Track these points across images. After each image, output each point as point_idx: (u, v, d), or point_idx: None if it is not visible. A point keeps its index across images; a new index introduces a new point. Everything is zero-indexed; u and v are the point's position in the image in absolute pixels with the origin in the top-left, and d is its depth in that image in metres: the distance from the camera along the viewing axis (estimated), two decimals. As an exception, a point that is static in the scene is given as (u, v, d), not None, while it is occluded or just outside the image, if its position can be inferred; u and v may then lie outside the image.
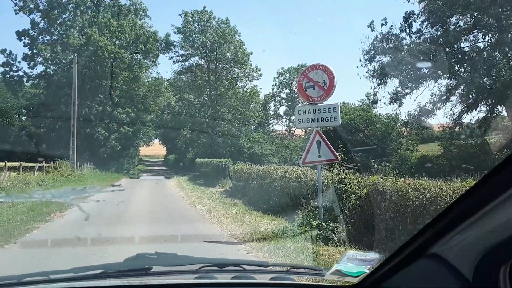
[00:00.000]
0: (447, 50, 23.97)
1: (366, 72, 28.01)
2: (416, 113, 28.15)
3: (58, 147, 32.53)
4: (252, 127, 48.12)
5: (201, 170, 33.70)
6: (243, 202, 13.54)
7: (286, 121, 53.07)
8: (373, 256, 1.87)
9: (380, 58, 26.73)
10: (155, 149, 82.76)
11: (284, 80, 52.15)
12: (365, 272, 1.73)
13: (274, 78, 52.48)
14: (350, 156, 39.23)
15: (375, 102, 62.11)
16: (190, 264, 2.04)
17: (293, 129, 52.53)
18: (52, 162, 22.87)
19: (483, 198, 0.97)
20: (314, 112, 7.49)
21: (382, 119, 44.80)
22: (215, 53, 43.90)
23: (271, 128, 51.34)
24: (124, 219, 9.06)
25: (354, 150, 38.67)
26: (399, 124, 38.54)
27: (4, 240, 7.18)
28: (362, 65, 27.59)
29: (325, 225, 6.68)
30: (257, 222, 8.98)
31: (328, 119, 7.56)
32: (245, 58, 43.95)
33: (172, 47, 45.48)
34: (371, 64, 27.59)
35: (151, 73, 48.67)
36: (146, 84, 46.01)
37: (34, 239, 7.53)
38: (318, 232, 6.64)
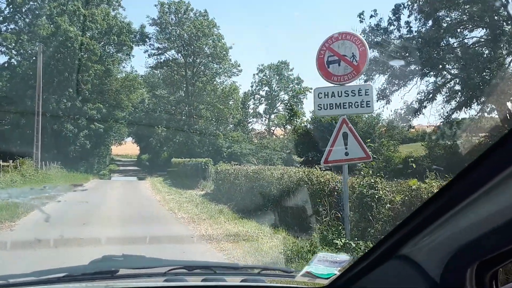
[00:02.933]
0: (435, 45, 23.00)
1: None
2: (403, 111, 27.12)
3: (22, 145, 29.78)
4: (231, 125, 46.38)
5: (168, 170, 31.78)
6: (229, 207, 11.84)
7: (265, 120, 51.57)
8: (344, 257, 1.92)
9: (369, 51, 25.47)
10: (128, 148, 79.87)
11: (264, 77, 50.60)
12: (335, 274, 1.73)
13: (254, 75, 50.96)
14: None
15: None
16: (159, 266, 1.98)
17: (273, 128, 51.16)
18: (11, 161, 20.45)
19: (452, 199, 0.97)
20: (340, 95, 5.76)
21: (364, 118, 44.20)
22: (192, 46, 41.94)
23: (250, 127, 49.73)
24: (86, 239, 7.12)
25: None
26: (380, 124, 37.89)
27: None
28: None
29: (353, 245, 5.10)
30: (257, 235, 7.31)
31: (358, 105, 5.72)
32: (224, 52, 42.16)
33: (147, 39, 43.24)
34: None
35: (124, 67, 46.27)
36: (119, 79, 43.57)
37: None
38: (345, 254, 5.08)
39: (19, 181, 19.36)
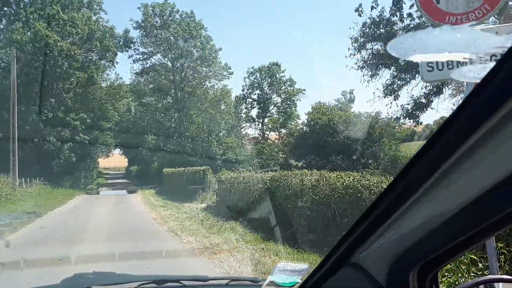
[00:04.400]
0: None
1: (355, 63, 24.96)
2: (410, 107, 25.36)
3: (2, 161, 27.26)
4: (223, 131, 44.24)
5: (161, 181, 29.44)
6: (243, 225, 9.77)
7: (259, 124, 49.52)
8: (303, 266, 1.95)
9: (372, 45, 23.75)
10: (115, 160, 77.13)
11: (255, 80, 48.63)
12: (298, 282, 1.78)
13: (244, 78, 48.89)
14: (331, 159, 36.28)
15: (351, 100, 60.16)
16: (129, 282, 2.02)
17: (267, 132, 49.18)
18: (-19, 180, 18.07)
19: (392, 204, 0.96)
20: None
21: (362, 118, 42.59)
22: (179, 49, 39.83)
23: (244, 132, 47.61)
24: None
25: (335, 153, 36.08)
26: (380, 123, 36.31)
27: None
28: (351, 54, 24.48)
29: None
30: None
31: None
32: (214, 55, 40.20)
33: (131, 44, 40.98)
34: (360, 53, 24.60)
35: (108, 75, 43.86)
36: (103, 87, 41.22)
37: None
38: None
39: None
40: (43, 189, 28.20)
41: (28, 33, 32.50)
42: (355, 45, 24.37)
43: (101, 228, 11.31)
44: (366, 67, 24.83)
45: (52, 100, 34.48)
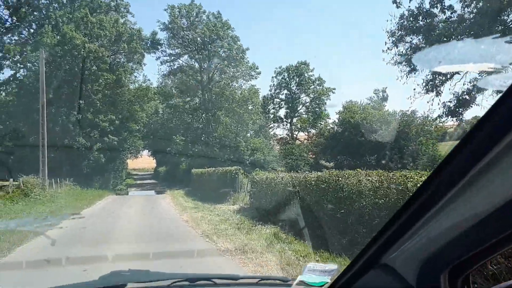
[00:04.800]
0: (492, 22, 19.77)
1: (392, 58, 23.61)
2: (452, 104, 23.78)
3: (34, 163, 27.30)
4: (251, 132, 43.45)
5: (190, 182, 28.81)
6: (284, 231, 8.85)
7: (287, 124, 48.42)
8: (332, 267, 1.93)
9: (411, 38, 22.36)
10: (144, 161, 77.82)
11: (283, 80, 47.60)
12: (327, 282, 1.76)
13: (272, 77, 47.95)
14: (365, 160, 34.80)
15: (384, 99, 58.23)
16: (163, 280, 2.06)
17: (295, 132, 48.04)
18: (12, 180, 17.81)
19: (422, 206, 0.96)
20: None
21: (397, 116, 40.90)
22: (207, 50, 39.32)
23: (272, 133, 46.64)
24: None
25: (369, 153, 34.66)
26: (416, 122, 34.76)
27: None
28: (387, 48, 23.16)
29: None
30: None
31: None
32: (241, 54, 39.44)
33: (158, 46, 40.73)
34: (397, 47, 23.24)
35: (136, 77, 43.88)
36: (131, 89, 41.22)
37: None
38: None
39: (21, 203, 16.70)
40: (72, 190, 28.14)
41: (58, 36, 32.63)
42: (392, 38, 23.09)
43: (134, 230, 10.73)
44: (404, 62, 23.44)
45: (81, 102, 34.59)
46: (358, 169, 7.67)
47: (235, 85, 41.07)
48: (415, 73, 23.12)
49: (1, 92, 34.73)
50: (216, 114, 39.16)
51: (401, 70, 23.07)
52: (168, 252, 7.16)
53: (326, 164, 39.03)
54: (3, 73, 34.74)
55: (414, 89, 23.13)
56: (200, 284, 2.06)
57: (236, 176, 18.30)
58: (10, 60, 33.18)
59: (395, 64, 23.21)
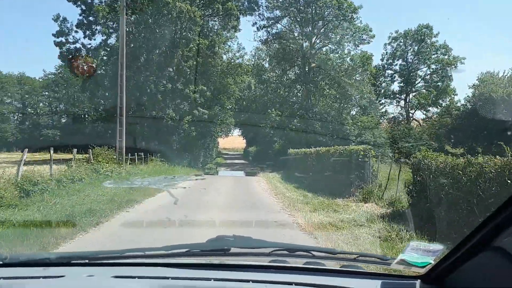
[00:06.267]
0: None
1: None
2: None
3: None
4: (357, 108, 37.05)
5: (287, 163, 23.55)
6: None
7: (400, 101, 40.94)
8: (437, 247, 1.85)
9: None
10: (234, 140, 75.75)
11: (398, 48, 39.96)
12: (430, 263, 1.71)
13: (385, 44, 40.55)
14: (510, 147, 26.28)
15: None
16: (264, 247, 2.13)
17: (411, 111, 40.41)
18: (75, 151, 14.28)
19: None
20: None
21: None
22: (310, 9, 33.46)
23: (384, 110, 39.66)
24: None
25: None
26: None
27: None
28: None
29: None
30: None
31: None
32: (352, 14, 32.90)
33: (256, 7, 35.87)
34: None
35: (230, 46, 39.88)
36: (224, 60, 37.35)
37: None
38: None
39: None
40: (158, 166, 24.95)
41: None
42: None
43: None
44: None
45: (170, 69, 31.41)
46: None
47: (342, 51, 34.79)
48: None
49: (94, 59, 32.92)
50: (319, 84, 33.44)
51: None
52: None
53: (452, 150, 31.56)
54: (94, 39, 32.81)
55: None
56: (299, 255, 2.10)
57: (366, 159, 12.67)
58: (101, 24, 30.93)
59: None
